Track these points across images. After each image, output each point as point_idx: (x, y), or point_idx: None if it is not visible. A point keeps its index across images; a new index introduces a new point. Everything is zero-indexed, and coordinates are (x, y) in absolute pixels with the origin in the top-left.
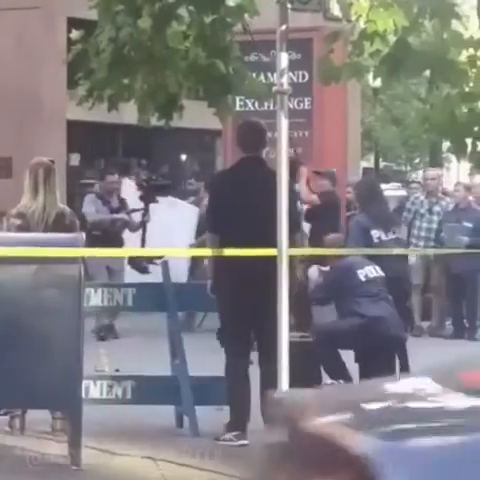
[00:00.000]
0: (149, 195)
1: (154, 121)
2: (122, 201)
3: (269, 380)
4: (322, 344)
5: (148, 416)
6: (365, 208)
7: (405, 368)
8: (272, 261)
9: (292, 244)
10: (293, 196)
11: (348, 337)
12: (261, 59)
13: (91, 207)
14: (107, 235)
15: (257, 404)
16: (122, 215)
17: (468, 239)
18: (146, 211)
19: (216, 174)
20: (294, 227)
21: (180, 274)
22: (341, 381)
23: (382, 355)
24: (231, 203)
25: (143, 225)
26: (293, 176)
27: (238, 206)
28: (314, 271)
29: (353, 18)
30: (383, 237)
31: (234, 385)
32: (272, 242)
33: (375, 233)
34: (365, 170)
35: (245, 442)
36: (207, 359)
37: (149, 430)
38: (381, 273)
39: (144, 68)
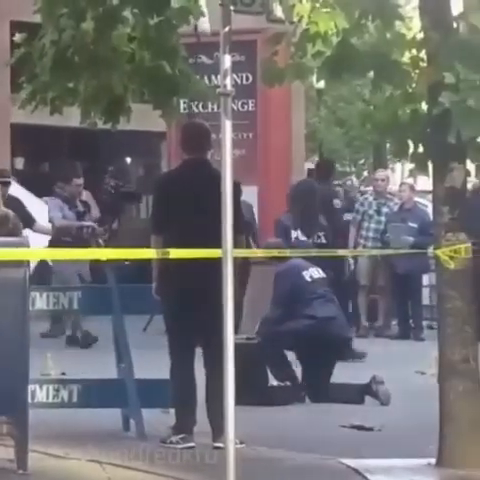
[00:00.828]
0: (117, 203)
1: (101, 124)
2: (86, 204)
3: (215, 383)
4: (270, 346)
5: (94, 419)
6: (292, 209)
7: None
8: (217, 263)
9: (237, 246)
10: (238, 197)
11: (297, 338)
12: (204, 61)
13: (57, 212)
14: (77, 242)
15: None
16: (90, 223)
17: (413, 239)
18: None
19: (160, 176)
20: (239, 229)
21: None
22: (287, 383)
23: (327, 355)
24: (176, 205)
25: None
26: (328, 177)
27: (183, 208)
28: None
29: (295, 20)
30: (300, 238)
31: (179, 388)
32: (219, 244)
33: (293, 233)
34: (309, 171)
35: (191, 445)
36: (155, 361)
37: (95, 433)
38: (323, 274)
39: (88, 71)
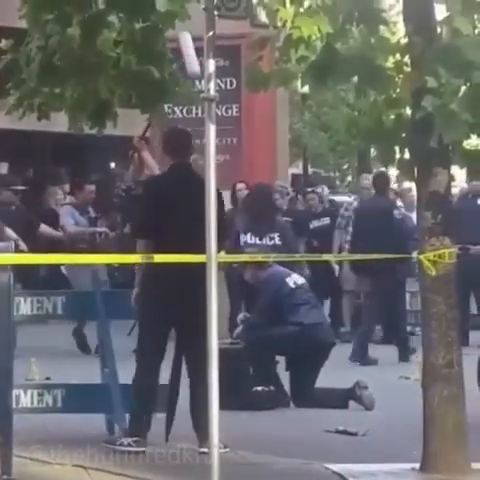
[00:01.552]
0: (128, 206)
1: (87, 129)
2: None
3: (198, 389)
4: (256, 351)
5: (79, 424)
6: (243, 213)
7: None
8: (200, 270)
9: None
10: (221, 203)
11: (283, 344)
12: None
13: (69, 219)
14: (91, 248)
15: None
16: (103, 228)
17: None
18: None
19: (147, 181)
20: (221, 235)
21: None
22: (272, 388)
23: (312, 361)
24: (163, 210)
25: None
26: (385, 189)
27: (170, 213)
28: (241, 316)
29: (279, 24)
30: (249, 241)
31: (141, 393)
32: (202, 248)
33: (242, 237)
34: (294, 176)
35: (143, 449)
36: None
37: (80, 438)
38: (304, 280)
39: (74, 76)
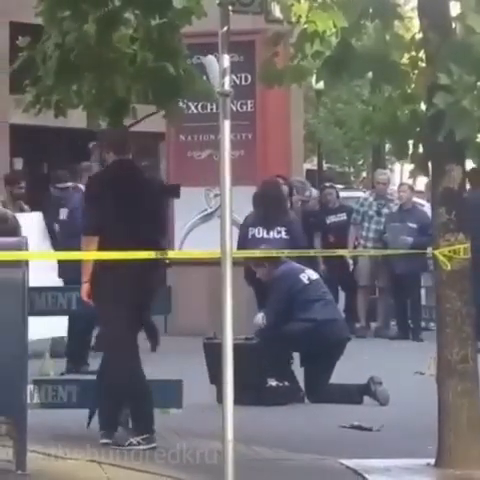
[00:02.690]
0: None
1: (105, 125)
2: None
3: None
4: (272, 346)
5: (93, 420)
6: (253, 207)
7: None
8: (149, 266)
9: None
10: (164, 200)
11: (299, 340)
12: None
13: None
14: None
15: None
16: None
17: (412, 239)
18: None
19: (92, 176)
20: (164, 229)
21: None
22: (286, 383)
23: (327, 357)
24: (107, 206)
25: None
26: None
27: (114, 209)
28: (259, 318)
29: (293, 20)
30: (257, 235)
31: (133, 388)
32: (149, 244)
33: (251, 230)
34: (308, 172)
35: (154, 445)
36: (155, 362)
37: (94, 434)
38: (318, 275)
39: (91, 73)
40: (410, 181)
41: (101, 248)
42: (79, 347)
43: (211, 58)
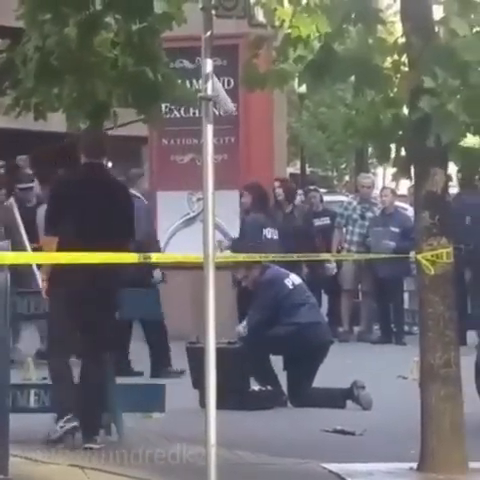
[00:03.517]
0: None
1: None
2: None
3: (88, 381)
4: (254, 351)
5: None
6: (261, 208)
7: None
8: (105, 264)
9: (126, 250)
10: (131, 204)
11: (282, 343)
12: (186, 66)
13: None
14: None
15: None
16: None
17: (394, 244)
18: None
19: (58, 178)
20: (129, 234)
21: None
22: (269, 387)
23: (310, 360)
24: (71, 207)
25: None
26: None
27: (77, 211)
28: (240, 329)
29: (277, 24)
30: (267, 236)
31: (59, 379)
32: (111, 246)
33: (267, 231)
34: (291, 176)
35: (75, 424)
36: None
37: (77, 438)
38: (301, 280)
39: (72, 77)
40: (393, 185)
41: (60, 249)
42: None
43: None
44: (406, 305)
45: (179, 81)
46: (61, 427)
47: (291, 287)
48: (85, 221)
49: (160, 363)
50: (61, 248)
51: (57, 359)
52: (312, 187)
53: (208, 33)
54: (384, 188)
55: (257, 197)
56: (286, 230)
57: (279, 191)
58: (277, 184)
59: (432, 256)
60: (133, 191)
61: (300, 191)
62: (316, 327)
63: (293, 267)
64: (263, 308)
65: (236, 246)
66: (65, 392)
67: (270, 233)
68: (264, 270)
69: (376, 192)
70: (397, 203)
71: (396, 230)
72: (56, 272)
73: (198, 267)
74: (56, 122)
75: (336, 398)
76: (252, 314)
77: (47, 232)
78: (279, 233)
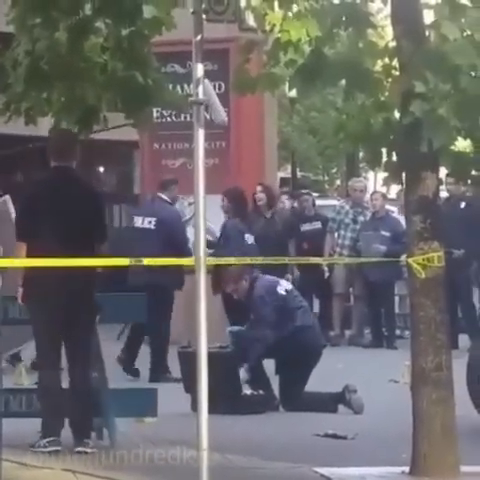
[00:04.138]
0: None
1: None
2: None
3: (76, 384)
4: (247, 356)
5: (68, 428)
6: (238, 213)
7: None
8: (80, 269)
9: (97, 254)
10: (102, 208)
11: (273, 348)
12: (177, 70)
13: None
14: None
15: None
16: None
17: (385, 248)
18: None
19: (30, 183)
20: (100, 238)
21: None
22: (261, 391)
23: (303, 364)
24: (40, 213)
25: None
26: None
27: (46, 216)
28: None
29: (267, 28)
30: (249, 242)
31: (46, 395)
32: (80, 251)
33: (247, 237)
34: (282, 180)
35: (57, 448)
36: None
37: (69, 442)
38: (290, 284)
39: (61, 81)
40: (383, 189)
41: (30, 254)
42: None
43: (206, 83)
44: (397, 309)
45: (168, 86)
46: (45, 446)
47: (284, 293)
48: (54, 226)
49: (159, 368)
50: (31, 253)
51: (45, 371)
52: (304, 191)
53: (199, 37)
54: (374, 192)
55: (234, 202)
56: (266, 235)
57: (261, 196)
58: (259, 189)
59: (423, 260)
60: (163, 196)
61: (285, 196)
62: (309, 330)
63: (282, 273)
64: (263, 320)
65: (222, 252)
66: (52, 412)
67: (250, 238)
68: (254, 281)
69: (367, 196)
70: (387, 207)
71: (387, 234)
72: (30, 277)
73: (190, 271)
74: (47, 127)
75: (328, 402)
76: (257, 329)
77: (16, 238)
78: (260, 238)
